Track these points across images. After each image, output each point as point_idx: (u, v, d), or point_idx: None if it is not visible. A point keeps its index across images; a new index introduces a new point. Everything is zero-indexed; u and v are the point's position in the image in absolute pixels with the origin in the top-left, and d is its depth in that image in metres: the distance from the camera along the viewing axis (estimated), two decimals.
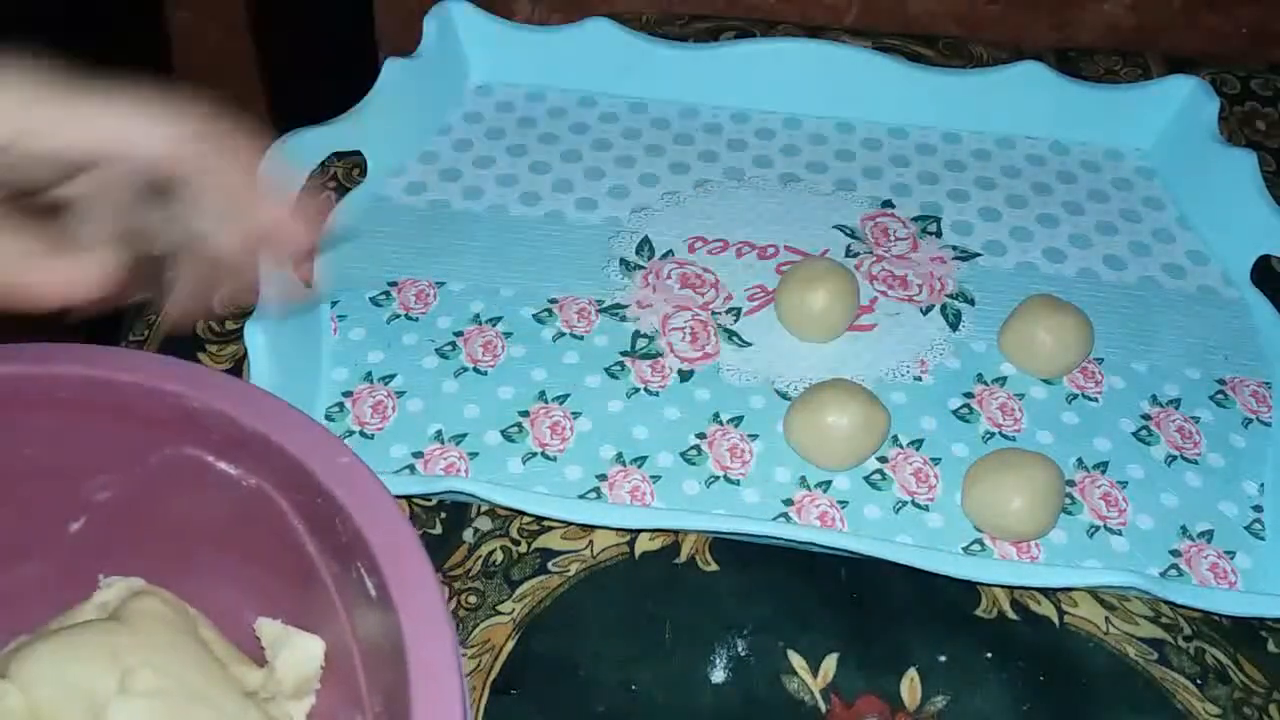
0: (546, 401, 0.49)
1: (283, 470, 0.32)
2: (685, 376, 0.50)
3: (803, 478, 0.47)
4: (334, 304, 0.52)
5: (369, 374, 0.50)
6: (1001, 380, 0.51)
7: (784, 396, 0.49)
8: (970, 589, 0.44)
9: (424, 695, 0.27)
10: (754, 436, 0.48)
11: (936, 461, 0.47)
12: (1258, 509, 0.46)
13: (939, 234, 0.57)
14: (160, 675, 0.32)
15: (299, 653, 0.35)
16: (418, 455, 0.47)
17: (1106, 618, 0.43)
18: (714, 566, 0.44)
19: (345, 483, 0.31)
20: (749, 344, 0.51)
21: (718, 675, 0.41)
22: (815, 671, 0.42)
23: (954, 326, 0.53)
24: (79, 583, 0.36)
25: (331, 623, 0.34)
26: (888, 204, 0.58)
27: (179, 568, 0.36)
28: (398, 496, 0.38)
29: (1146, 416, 0.49)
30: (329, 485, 0.31)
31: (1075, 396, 0.50)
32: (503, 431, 0.48)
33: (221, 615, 0.37)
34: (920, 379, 0.50)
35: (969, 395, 0.50)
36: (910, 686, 0.41)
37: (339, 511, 0.31)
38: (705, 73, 0.62)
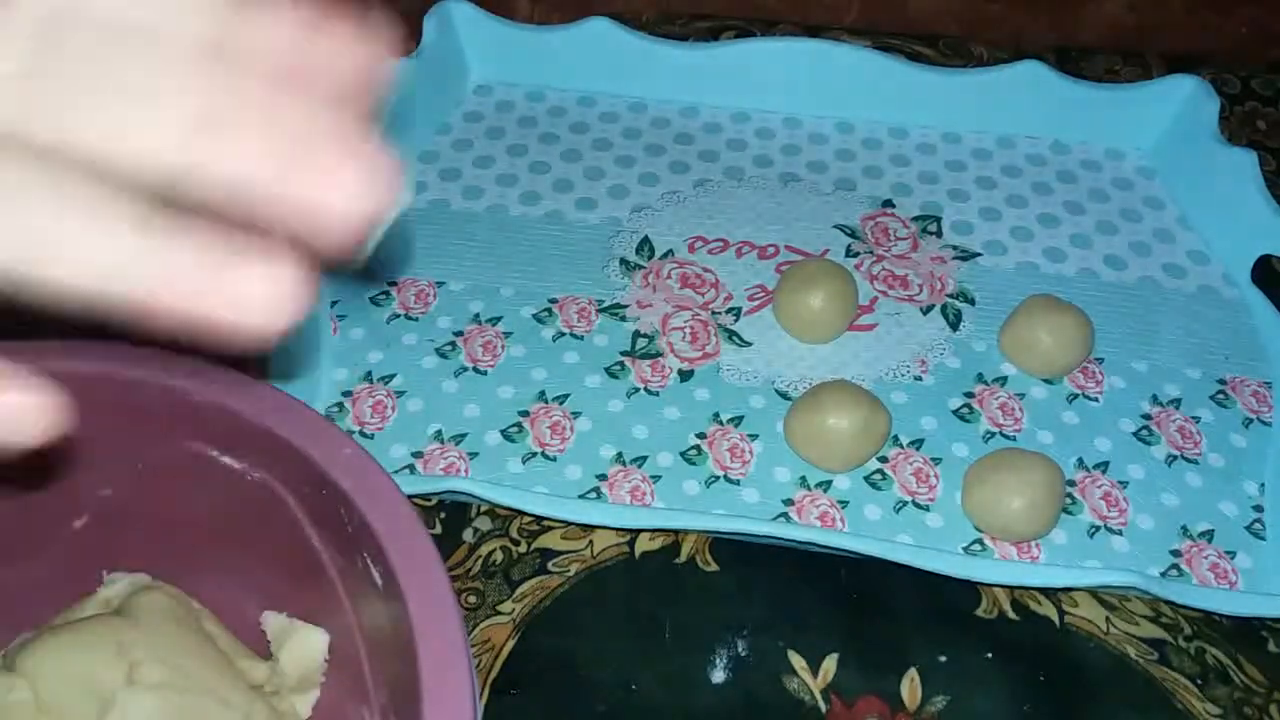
0: (546, 401, 0.49)
1: (286, 463, 0.32)
2: (685, 376, 0.50)
3: (803, 478, 0.47)
4: (334, 304, 0.52)
5: (369, 374, 0.50)
6: (1002, 380, 0.51)
7: (784, 396, 0.49)
8: (970, 589, 0.44)
9: (433, 679, 0.27)
10: (754, 436, 0.48)
11: (937, 461, 0.47)
12: (1258, 509, 0.46)
13: (939, 234, 0.57)
14: (167, 669, 0.32)
15: (302, 646, 0.35)
16: (417, 455, 0.47)
17: (1107, 618, 0.43)
18: (714, 566, 0.44)
19: (349, 473, 0.31)
20: (749, 344, 0.51)
21: (718, 675, 0.41)
22: (815, 671, 0.42)
23: (954, 326, 0.53)
24: (82, 580, 0.36)
25: (337, 615, 0.34)
26: (888, 203, 0.58)
27: (183, 563, 0.36)
28: None
29: (1147, 416, 0.49)
30: (333, 476, 0.31)
31: (1075, 396, 0.50)
32: (503, 431, 0.48)
33: (226, 609, 0.37)
34: (920, 379, 0.50)
35: (969, 395, 0.50)
36: (910, 686, 0.41)
37: (344, 502, 0.31)
38: (705, 73, 0.62)
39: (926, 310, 0.53)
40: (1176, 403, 0.50)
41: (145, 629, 0.33)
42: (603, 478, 0.46)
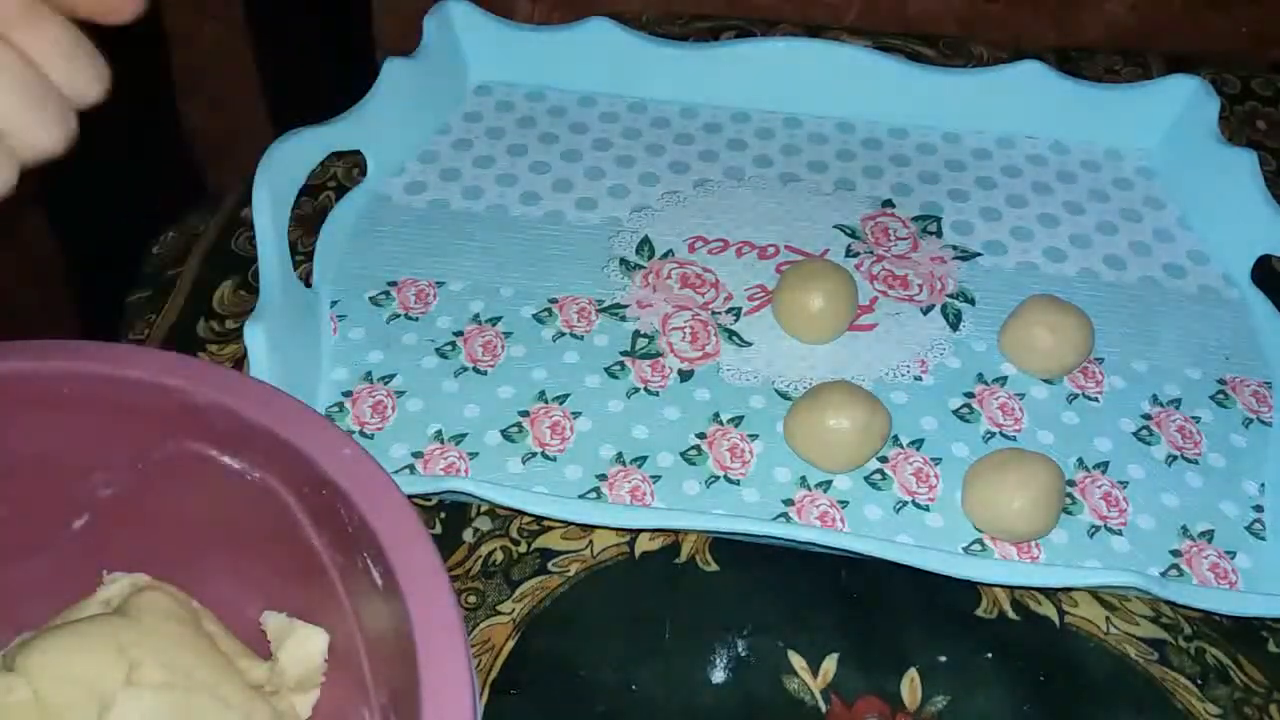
0: (546, 401, 0.49)
1: (286, 463, 0.32)
2: (685, 376, 0.50)
3: (803, 478, 0.46)
4: (334, 304, 0.52)
5: (369, 374, 0.50)
6: (1002, 380, 0.51)
7: (784, 396, 0.49)
8: (970, 589, 0.44)
9: (433, 679, 0.27)
10: (754, 436, 0.48)
11: (937, 461, 0.47)
12: (1258, 509, 0.46)
13: (939, 234, 0.57)
14: (167, 669, 0.32)
15: (302, 645, 0.35)
16: (417, 455, 0.47)
17: (1107, 618, 0.43)
18: (714, 566, 0.44)
19: (349, 473, 0.31)
20: (749, 344, 0.51)
21: (718, 675, 0.41)
22: (815, 671, 0.42)
23: (954, 326, 0.53)
24: (83, 579, 0.36)
25: (337, 615, 0.34)
26: (888, 204, 0.58)
27: (183, 562, 0.36)
28: None
29: (1147, 416, 0.49)
30: (333, 476, 0.31)
31: (1075, 396, 0.50)
32: (503, 431, 0.48)
33: (226, 609, 0.37)
34: (920, 379, 0.50)
35: (969, 395, 0.50)
36: (910, 687, 0.41)
37: (344, 502, 0.31)
38: (705, 73, 0.62)
39: (926, 310, 0.53)
40: (1176, 403, 0.50)
41: (145, 629, 0.33)
42: (603, 478, 0.46)
